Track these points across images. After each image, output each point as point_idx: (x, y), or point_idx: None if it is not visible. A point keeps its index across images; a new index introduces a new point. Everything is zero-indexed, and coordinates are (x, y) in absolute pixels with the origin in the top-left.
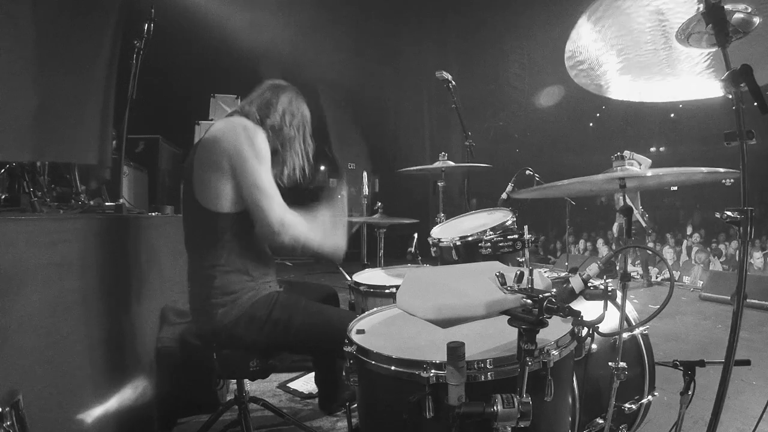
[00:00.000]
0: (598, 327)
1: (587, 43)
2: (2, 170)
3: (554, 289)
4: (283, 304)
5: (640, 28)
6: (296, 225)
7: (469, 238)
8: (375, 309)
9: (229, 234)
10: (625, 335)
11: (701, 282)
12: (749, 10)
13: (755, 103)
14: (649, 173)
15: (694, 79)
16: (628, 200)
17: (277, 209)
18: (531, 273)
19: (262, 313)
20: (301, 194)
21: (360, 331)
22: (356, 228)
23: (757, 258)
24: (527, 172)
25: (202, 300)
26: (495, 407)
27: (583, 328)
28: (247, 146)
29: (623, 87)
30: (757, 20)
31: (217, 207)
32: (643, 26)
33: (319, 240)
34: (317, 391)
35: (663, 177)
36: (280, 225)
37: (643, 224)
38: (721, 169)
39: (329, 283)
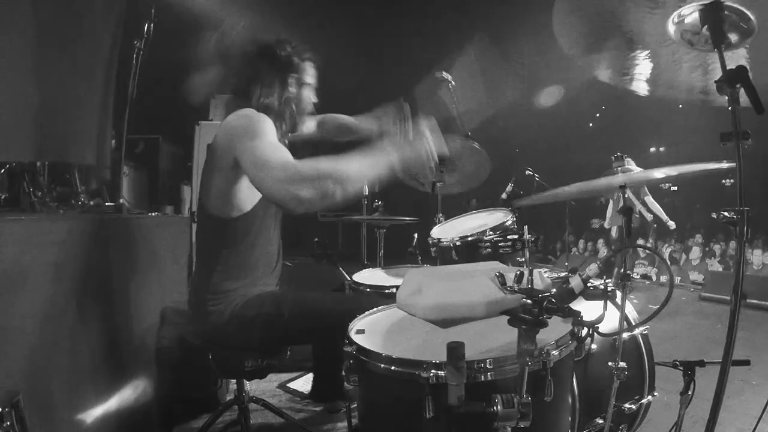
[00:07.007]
0: (598, 327)
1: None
2: (2, 170)
3: (554, 289)
4: (272, 299)
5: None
6: (318, 169)
7: (469, 238)
8: (375, 309)
9: (230, 237)
10: (625, 335)
11: (701, 280)
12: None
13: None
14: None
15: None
16: (633, 198)
17: (276, 173)
18: (531, 273)
19: (252, 312)
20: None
21: (360, 331)
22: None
23: (756, 256)
24: (527, 172)
25: (198, 301)
26: (495, 407)
27: (583, 328)
28: (243, 133)
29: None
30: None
31: (220, 211)
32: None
33: (374, 164)
34: (311, 384)
35: (661, 177)
36: (289, 184)
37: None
38: (712, 165)
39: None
